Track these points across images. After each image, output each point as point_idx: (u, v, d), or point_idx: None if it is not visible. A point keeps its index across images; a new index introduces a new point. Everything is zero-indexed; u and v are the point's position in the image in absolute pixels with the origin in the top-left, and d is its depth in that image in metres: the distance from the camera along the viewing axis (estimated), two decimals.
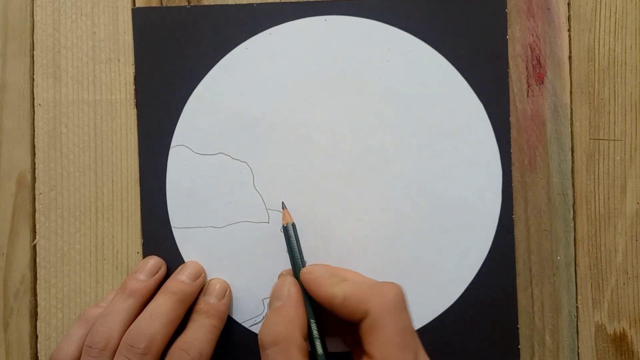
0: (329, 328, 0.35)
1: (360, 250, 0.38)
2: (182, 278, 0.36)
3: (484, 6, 0.38)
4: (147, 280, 0.36)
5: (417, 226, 0.38)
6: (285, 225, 0.36)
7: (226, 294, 0.37)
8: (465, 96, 0.38)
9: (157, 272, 0.37)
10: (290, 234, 0.36)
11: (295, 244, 0.35)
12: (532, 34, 0.38)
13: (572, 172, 0.38)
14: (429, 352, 0.38)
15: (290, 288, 0.33)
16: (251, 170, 0.38)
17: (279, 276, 0.36)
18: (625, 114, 0.38)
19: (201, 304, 0.36)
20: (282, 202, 0.37)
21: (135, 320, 0.34)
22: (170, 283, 0.36)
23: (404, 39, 0.38)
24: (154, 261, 0.37)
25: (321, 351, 0.32)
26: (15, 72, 0.39)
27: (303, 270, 0.34)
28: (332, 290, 0.31)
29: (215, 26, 0.38)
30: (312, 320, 0.33)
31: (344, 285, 0.32)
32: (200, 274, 0.37)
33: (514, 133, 0.38)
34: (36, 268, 0.39)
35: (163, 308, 0.34)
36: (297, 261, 0.35)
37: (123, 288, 0.36)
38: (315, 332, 0.32)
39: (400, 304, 0.30)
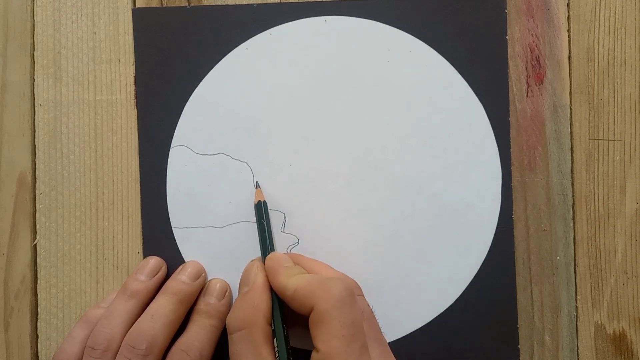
0: (299, 322, 0.34)
1: (360, 250, 0.38)
2: (182, 278, 0.36)
3: (484, 6, 0.38)
4: (148, 281, 0.36)
5: (417, 226, 0.38)
6: (255, 204, 0.36)
7: (226, 294, 0.37)
8: (465, 96, 0.38)
9: (158, 272, 0.37)
10: (260, 213, 0.36)
11: (265, 225, 0.35)
12: (532, 34, 0.39)
13: (572, 172, 0.38)
14: (428, 351, 0.38)
15: (257, 274, 0.33)
16: (251, 170, 0.38)
17: (249, 262, 0.37)
18: (624, 114, 0.38)
19: (201, 305, 0.36)
20: (256, 182, 0.38)
21: (137, 322, 0.34)
22: (170, 283, 0.36)
23: (403, 40, 0.38)
24: (154, 262, 0.37)
25: (281, 336, 0.32)
26: (16, 72, 0.39)
27: (268, 257, 0.34)
28: (286, 282, 0.32)
29: (216, 26, 0.38)
30: (275, 306, 0.33)
31: (297, 278, 0.32)
32: (200, 274, 0.37)
33: (513, 133, 0.38)
34: (37, 268, 0.39)
35: (164, 309, 0.35)
36: (264, 244, 0.35)
37: (124, 289, 0.36)
38: (278, 319, 0.33)
39: (346, 299, 0.30)
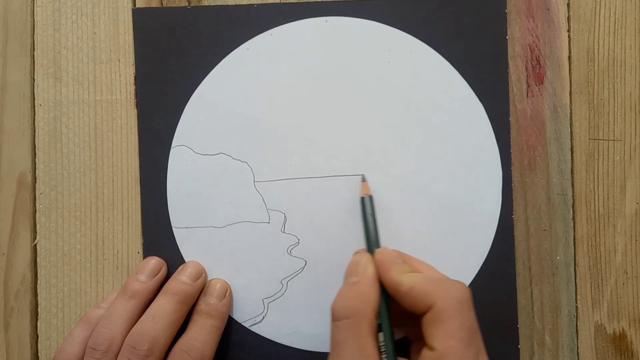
0: (393, 316, 0.34)
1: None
2: (182, 279, 0.36)
3: (484, 7, 0.38)
4: (148, 281, 0.36)
5: (417, 226, 0.38)
6: (362, 197, 0.36)
7: (227, 294, 0.37)
8: (465, 96, 0.38)
9: (158, 272, 0.37)
10: (366, 207, 0.36)
11: (371, 218, 0.35)
12: (532, 35, 0.39)
13: (572, 172, 0.38)
14: None
15: (368, 266, 0.33)
16: (252, 171, 0.38)
17: (354, 253, 0.37)
18: (624, 114, 0.38)
19: (202, 305, 0.36)
20: (363, 175, 0.38)
21: (138, 322, 0.34)
22: (171, 284, 0.36)
23: (404, 40, 0.38)
24: (154, 262, 0.37)
25: (388, 331, 0.32)
26: (16, 72, 0.39)
27: (377, 251, 0.34)
28: (399, 278, 0.32)
29: (216, 26, 0.38)
30: (383, 301, 0.33)
31: (412, 275, 0.32)
32: (200, 274, 0.37)
33: (513, 133, 0.38)
34: (37, 268, 0.39)
35: (165, 309, 0.35)
36: (371, 237, 0.35)
37: (124, 289, 0.36)
38: (386, 313, 0.33)
39: (466, 302, 0.30)
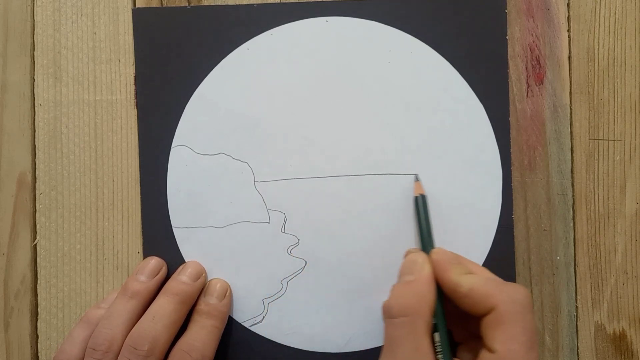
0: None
1: (360, 250, 0.38)
2: (183, 279, 0.36)
3: (484, 7, 0.38)
4: (148, 281, 0.36)
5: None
6: (416, 197, 0.36)
7: (227, 294, 0.37)
8: (465, 97, 0.38)
9: (158, 273, 0.37)
10: (419, 207, 0.36)
11: (424, 218, 0.36)
12: (532, 35, 0.39)
13: (572, 172, 0.38)
14: None
15: (424, 265, 0.33)
16: (252, 171, 0.38)
17: (407, 253, 0.37)
18: (624, 114, 0.38)
19: (202, 305, 0.36)
20: (416, 175, 0.38)
21: (138, 322, 0.34)
22: (171, 284, 0.36)
23: (404, 40, 0.38)
24: (154, 262, 0.37)
25: (444, 330, 0.32)
26: (16, 72, 0.39)
27: (434, 251, 0.34)
28: (458, 279, 0.32)
29: (216, 26, 0.38)
30: (439, 301, 0.33)
31: (472, 277, 0.32)
32: (201, 274, 0.37)
33: (513, 133, 0.38)
34: (37, 268, 0.39)
35: (165, 309, 0.35)
36: (425, 236, 0.35)
37: (124, 289, 0.36)
38: (442, 313, 0.33)
39: (528, 306, 0.30)
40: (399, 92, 0.38)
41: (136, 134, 0.39)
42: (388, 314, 0.32)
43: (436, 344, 0.32)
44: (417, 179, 0.37)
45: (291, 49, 0.38)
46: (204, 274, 0.38)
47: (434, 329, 0.32)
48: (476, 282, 0.31)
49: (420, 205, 0.36)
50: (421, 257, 0.34)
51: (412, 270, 0.33)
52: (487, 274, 0.34)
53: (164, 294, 0.36)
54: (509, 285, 0.31)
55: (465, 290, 0.31)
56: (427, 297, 0.32)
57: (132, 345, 0.33)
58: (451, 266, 0.33)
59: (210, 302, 0.36)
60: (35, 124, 0.39)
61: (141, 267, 0.37)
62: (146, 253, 0.38)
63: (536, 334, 0.30)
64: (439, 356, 0.32)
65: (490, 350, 0.29)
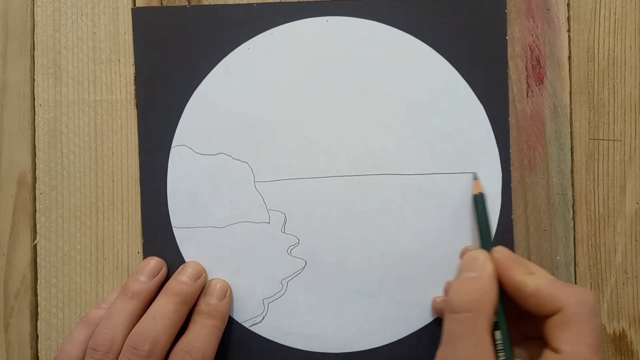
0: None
1: (360, 251, 0.38)
2: (183, 279, 0.36)
3: (484, 7, 0.38)
4: (149, 281, 0.36)
5: (417, 227, 0.38)
6: (474, 195, 0.36)
7: (227, 294, 0.37)
8: (466, 97, 0.38)
9: (158, 273, 0.37)
10: (479, 205, 0.36)
11: (484, 216, 0.36)
12: (532, 35, 0.39)
13: (572, 172, 0.38)
14: (429, 353, 0.38)
15: (487, 262, 0.33)
16: (252, 171, 0.38)
17: (464, 250, 0.37)
18: (624, 114, 0.38)
19: (202, 305, 0.36)
20: (475, 173, 0.38)
21: (138, 323, 0.34)
22: (171, 284, 0.36)
23: (405, 40, 0.38)
24: (154, 262, 0.37)
25: (506, 329, 0.32)
26: (16, 72, 0.39)
27: (496, 249, 0.34)
28: (523, 278, 0.32)
29: (216, 26, 0.38)
30: (500, 299, 0.33)
31: (537, 277, 0.32)
32: (201, 274, 0.37)
33: (513, 133, 0.38)
34: (37, 268, 0.39)
35: (165, 310, 0.34)
36: (485, 235, 0.35)
37: (124, 290, 0.36)
38: (503, 312, 0.33)
39: (595, 308, 0.30)
40: (399, 92, 0.38)
41: (136, 134, 0.39)
42: (450, 309, 0.31)
43: (497, 342, 0.32)
44: (475, 177, 0.37)
45: (291, 48, 0.38)
46: (204, 274, 0.38)
47: (494, 327, 0.32)
48: (542, 283, 0.31)
49: (480, 204, 0.36)
50: (483, 254, 0.34)
51: (473, 268, 0.33)
52: (549, 275, 0.33)
53: (164, 294, 0.35)
54: (576, 287, 0.32)
55: (531, 290, 0.31)
56: (490, 294, 0.32)
57: (133, 345, 0.33)
58: (515, 265, 0.33)
59: (211, 302, 0.36)
60: (35, 124, 0.39)
61: (141, 267, 0.37)
62: (146, 253, 0.38)
63: (601, 338, 0.30)
64: (500, 354, 0.32)
65: (556, 351, 0.30)
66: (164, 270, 0.38)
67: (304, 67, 0.38)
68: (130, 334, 0.34)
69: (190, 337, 0.35)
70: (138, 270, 0.37)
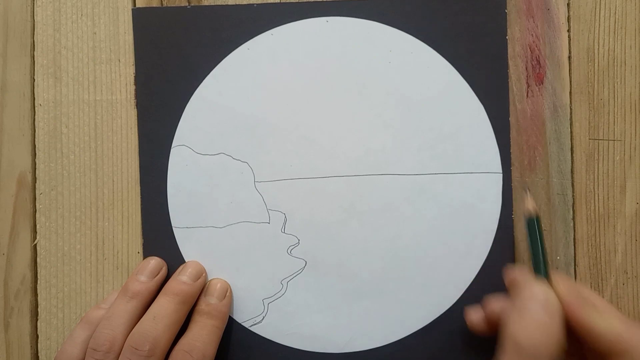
0: None
1: (360, 251, 0.38)
2: (183, 279, 0.36)
3: (484, 7, 0.38)
4: (149, 281, 0.36)
5: (417, 227, 0.38)
6: (528, 219, 0.35)
7: (227, 294, 0.37)
8: (466, 97, 0.38)
9: (158, 273, 0.37)
10: (536, 229, 0.34)
11: (540, 241, 0.34)
12: (532, 35, 0.39)
13: (572, 172, 0.38)
14: (429, 353, 0.38)
15: (557, 304, 0.31)
16: (252, 171, 0.38)
17: (513, 274, 0.34)
18: (624, 114, 0.38)
19: (202, 305, 0.36)
20: (526, 186, 0.36)
21: (139, 323, 0.34)
22: (171, 284, 0.36)
23: (405, 41, 0.38)
24: (154, 262, 0.37)
25: None
26: (16, 72, 0.39)
27: (559, 283, 0.32)
28: (595, 320, 0.31)
29: (216, 26, 0.38)
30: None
31: (607, 318, 0.31)
32: (201, 274, 0.37)
33: (513, 133, 0.38)
34: (37, 268, 0.39)
35: (166, 310, 0.35)
36: (540, 261, 0.34)
37: (125, 290, 0.36)
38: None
39: None
40: (399, 92, 0.38)
41: (136, 134, 0.39)
42: (515, 347, 0.30)
43: None
44: (527, 192, 0.36)
45: (291, 49, 0.38)
46: (204, 274, 0.38)
47: None
48: (615, 325, 0.31)
49: (536, 228, 0.34)
50: (549, 292, 0.32)
51: (544, 307, 0.31)
52: (614, 310, 0.33)
53: (164, 294, 0.36)
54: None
55: (601, 332, 0.30)
56: (561, 340, 0.30)
57: (133, 345, 0.33)
58: (583, 303, 0.31)
59: (211, 302, 0.36)
60: (35, 124, 0.39)
61: (141, 267, 0.37)
62: (146, 253, 0.38)
63: None
64: None
65: None
66: (164, 270, 0.38)
67: (304, 67, 0.38)
68: (131, 334, 0.34)
69: (191, 337, 0.35)
70: (138, 271, 0.37)
